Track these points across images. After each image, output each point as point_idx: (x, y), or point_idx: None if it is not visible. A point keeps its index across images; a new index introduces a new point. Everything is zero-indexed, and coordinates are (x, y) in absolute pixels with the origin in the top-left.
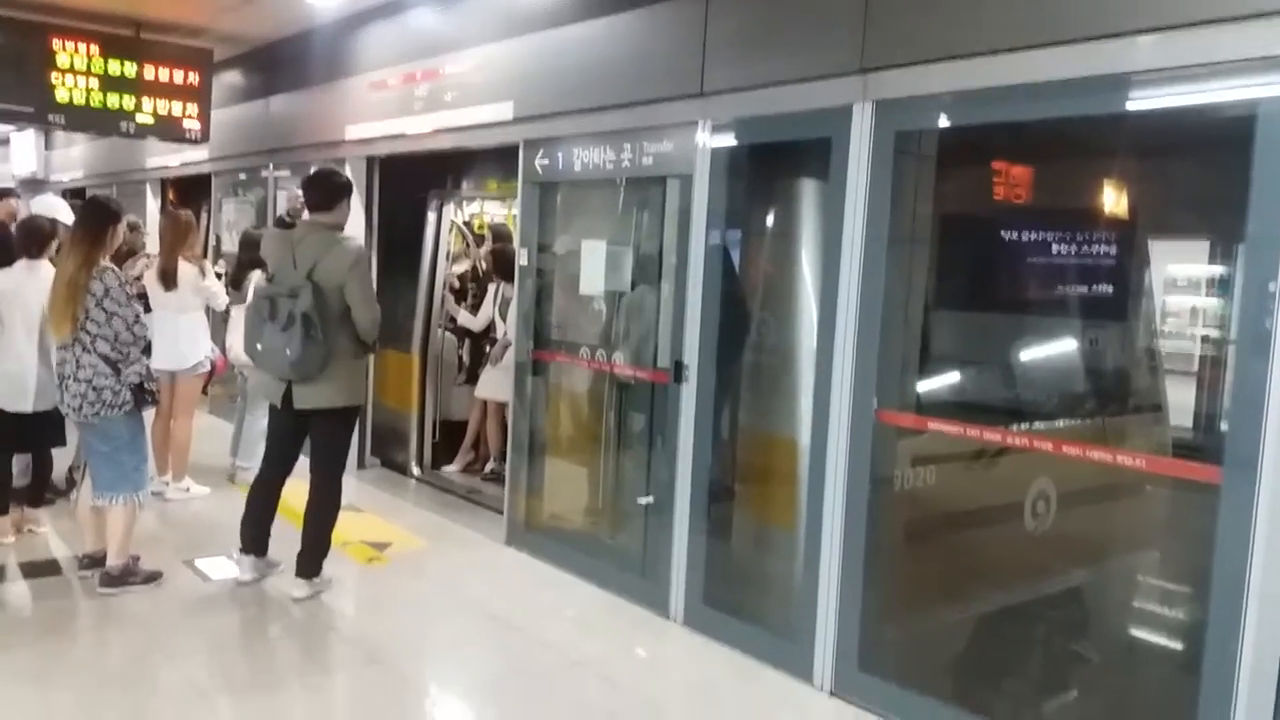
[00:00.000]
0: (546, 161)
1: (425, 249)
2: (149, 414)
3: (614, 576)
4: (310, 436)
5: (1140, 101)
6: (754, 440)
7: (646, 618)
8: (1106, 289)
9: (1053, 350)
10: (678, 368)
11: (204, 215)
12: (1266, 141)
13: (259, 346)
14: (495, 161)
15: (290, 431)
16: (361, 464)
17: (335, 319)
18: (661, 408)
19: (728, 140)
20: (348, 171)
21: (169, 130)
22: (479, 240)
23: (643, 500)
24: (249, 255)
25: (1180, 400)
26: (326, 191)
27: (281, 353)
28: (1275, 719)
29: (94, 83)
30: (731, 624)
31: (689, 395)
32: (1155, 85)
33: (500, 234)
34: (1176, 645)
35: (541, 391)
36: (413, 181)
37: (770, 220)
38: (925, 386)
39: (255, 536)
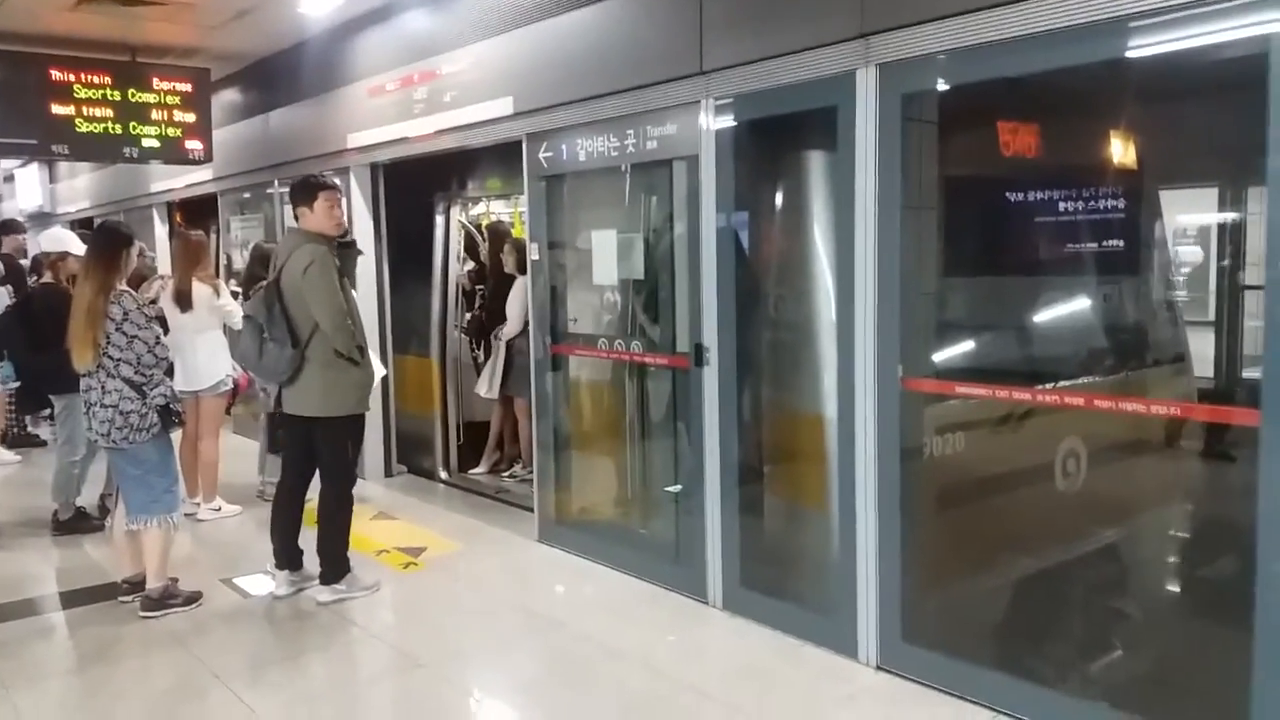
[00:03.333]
0: (550, 154)
1: (435, 252)
2: (175, 436)
3: (650, 565)
4: (315, 445)
5: (1147, 46)
6: (780, 419)
7: (685, 604)
8: (1120, 243)
9: (1071, 308)
10: (698, 351)
11: (213, 235)
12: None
13: (236, 351)
14: (500, 159)
15: (297, 438)
16: (389, 472)
17: (307, 324)
18: (684, 393)
19: (731, 117)
20: (352, 180)
21: (172, 153)
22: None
23: (672, 488)
24: (256, 269)
25: (1199, 350)
26: (292, 199)
27: (249, 357)
28: None
29: (95, 110)
30: (772, 605)
31: (711, 378)
32: (1163, 28)
33: (499, 231)
34: (1222, 597)
35: (562, 386)
36: (419, 185)
37: (780, 195)
38: (947, 352)
39: (284, 550)
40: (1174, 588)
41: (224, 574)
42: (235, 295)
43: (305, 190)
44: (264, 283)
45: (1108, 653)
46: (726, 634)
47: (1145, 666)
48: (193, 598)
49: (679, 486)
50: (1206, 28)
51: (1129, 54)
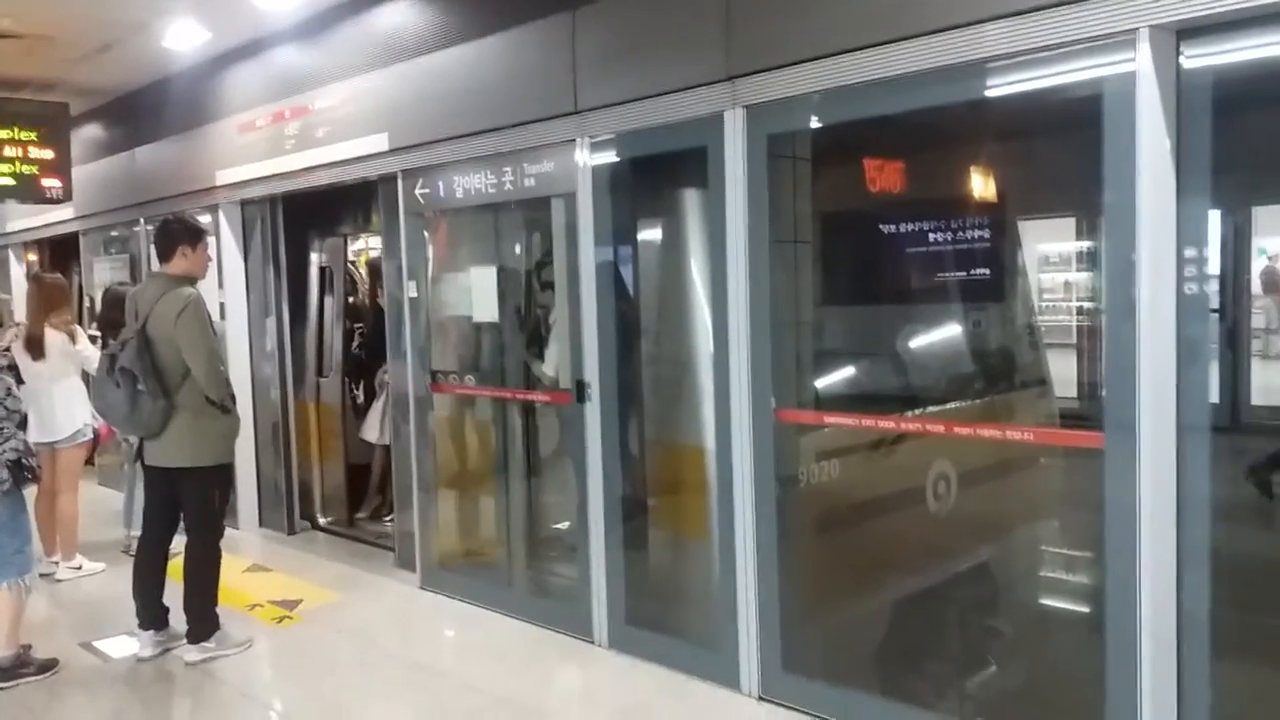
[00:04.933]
0: (427, 190)
1: (311, 292)
2: (30, 492)
3: (535, 607)
4: (180, 496)
5: (998, 87)
6: (662, 452)
7: (572, 645)
8: (984, 272)
9: (939, 336)
10: (579, 387)
11: (74, 276)
12: (1113, 117)
13: (101, 404)
14: (379, 195)
15: (160, 490)
16: (292, 529)
17: (176, 372)
18: (567, 430)
19: (607, 156)
20: (221, 218)
21: (28, 191)
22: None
23: (558, 526)
24: (112, 313)
25: (1063, 372)
26: (162, 240)
27: (119, 409)
28: (1180, 675)
29: None
30: (657, 641)
31: (593, 414)
32: (1010, 70)
33: (380, 269)
34: (1082, 609)
35: (444, 425)
36: (296, 223)
37: (658, 231)
38: (822, 382)
39: (147, 608)
40: (1044, 602)
41: (84, 637)
42: (94, 340)
43: (189, 232)
44: (128, 330)
45: (982, 670)
46: (612, 674)
47: (1019, 681)
48: (47, 665)
49: (565, 525)
50: (1051, 70)
51: (984, 95)
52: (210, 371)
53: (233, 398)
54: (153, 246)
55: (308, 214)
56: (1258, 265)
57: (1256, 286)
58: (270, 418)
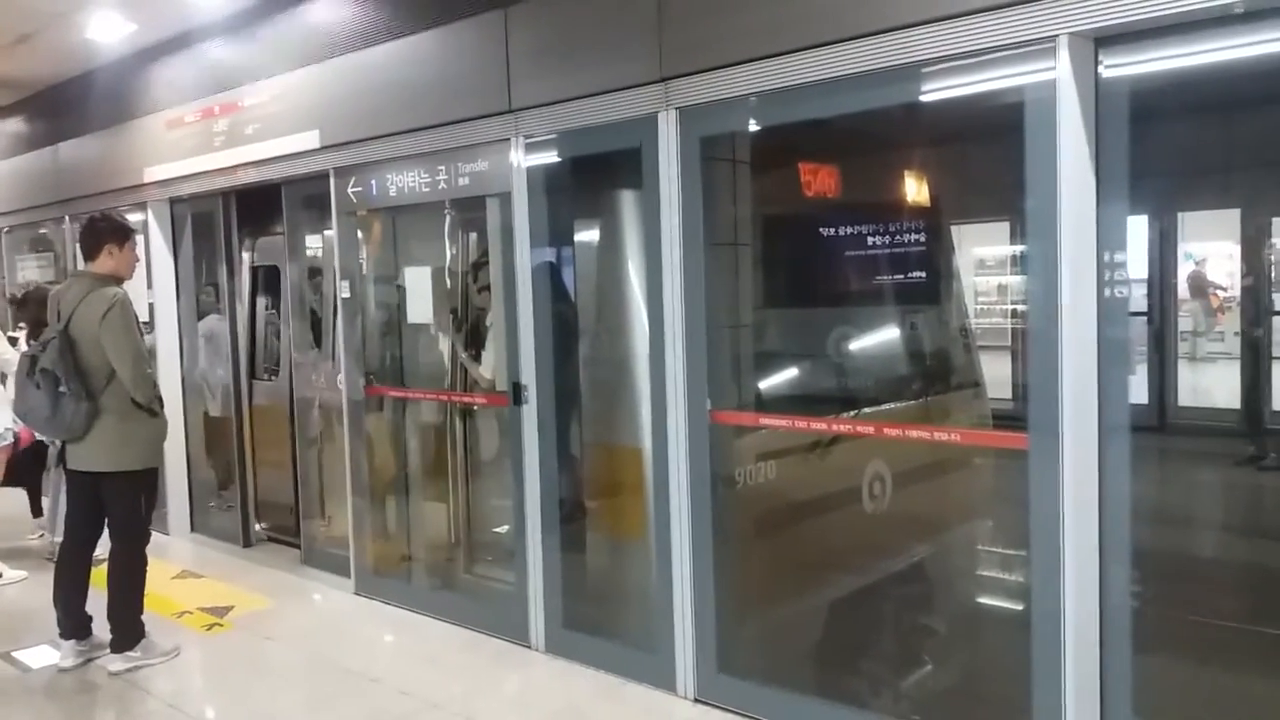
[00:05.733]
0: (360, 189)
1: (242, 292)
2: None
3: (471, 612)
4: (105, 501)
5: (928, 92)
6: (600, 454)
7: (508, 650)
8: (919, 275)
9: (875, 338)
10: (516, 390)
11: None
12: (1035, 123)
13: (22, 406)
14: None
15: (84, 495)
16: (247, 541)
17: (101, 374)
18: (504, 432)
19: (542, 155)
20: (150, 216)
21: None
22: None
23: (497, 530)
24: (39, 313)
25: (999, 374)
26: (88, 238)
27: (39, 412)
28: (1102, 666)
29: None
30: (594, 644)
31: (530, 416)
32: (939, 76)
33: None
34: (1012, 606)
35: (380, 429)
36: (227, 221)
37: (595, 232)
38: (760, 384)
39: (69, 616)
40: (977, 600)
41: (2, 648)
42: (14, 342)
43: (116, 229)
44: (49, 331)
45: (917, 668)
46: (547, 677)
47: (950, 678)
48: None
49: (503, 528)
50: (978, 76)
51: (917, 99)
52: (137, 373)
53: (160, 400)
54: (78, 245)
55: (243, 212)
56: (1185, 269)
57: (1184, 290)
58: (207, 421)
